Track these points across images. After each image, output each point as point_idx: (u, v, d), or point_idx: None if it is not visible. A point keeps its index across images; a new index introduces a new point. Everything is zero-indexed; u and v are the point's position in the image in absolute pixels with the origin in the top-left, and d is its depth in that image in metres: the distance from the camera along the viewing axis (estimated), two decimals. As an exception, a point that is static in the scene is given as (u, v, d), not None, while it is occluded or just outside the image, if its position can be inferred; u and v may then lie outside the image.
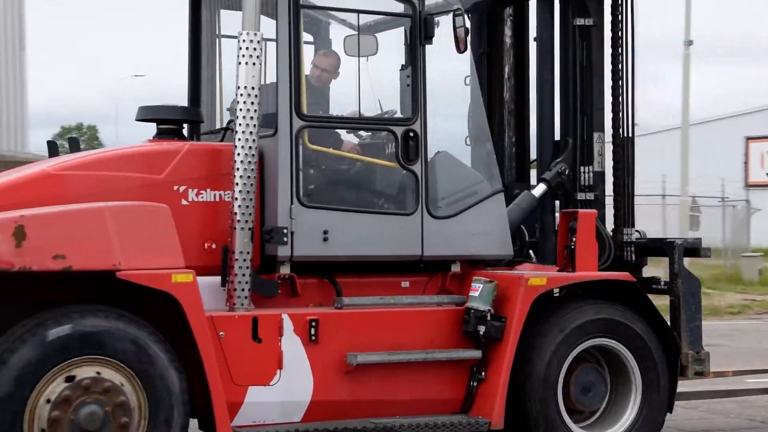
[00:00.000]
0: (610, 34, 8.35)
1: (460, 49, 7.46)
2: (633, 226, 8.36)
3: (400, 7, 7.56)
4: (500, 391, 7.23)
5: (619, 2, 8.34)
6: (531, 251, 8.31)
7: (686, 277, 7.93)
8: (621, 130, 8.38)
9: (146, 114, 7.50)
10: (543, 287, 7.37)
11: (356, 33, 7.75)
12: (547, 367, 7.34)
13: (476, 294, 7.31)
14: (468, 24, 7.69)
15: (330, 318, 7.06)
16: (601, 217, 8.31)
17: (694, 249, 8.08)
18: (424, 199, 7.45)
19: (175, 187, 7.04)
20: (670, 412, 7.86)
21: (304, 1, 7.35)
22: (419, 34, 7.48)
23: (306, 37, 8.42)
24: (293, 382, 6.93)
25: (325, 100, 7.88)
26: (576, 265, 7.67)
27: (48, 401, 6.11)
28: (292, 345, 6.92)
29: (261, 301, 7.13)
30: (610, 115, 8.39)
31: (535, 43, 8.69)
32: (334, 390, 7.05)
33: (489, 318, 7.23)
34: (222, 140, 7.61)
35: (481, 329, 7.22)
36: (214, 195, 7.11)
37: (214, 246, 7.07)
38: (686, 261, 8.05)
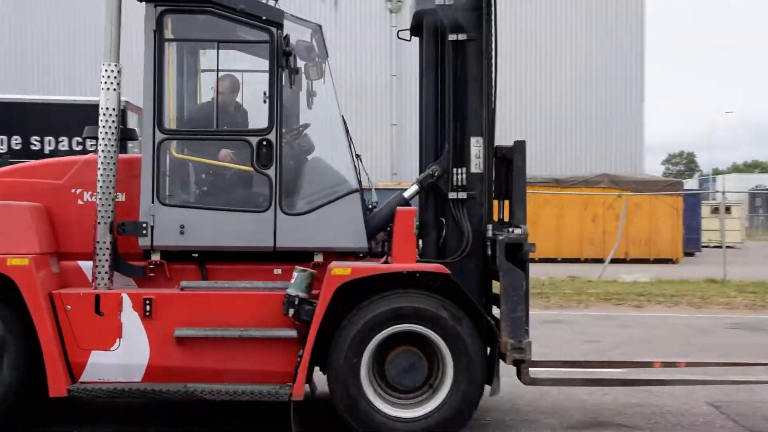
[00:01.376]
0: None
1: (289, 86, 8.66)
2: (493, 222, 8.93)
3: (261, 35, 8.78)
4: (302, 367, 8.30)
5: (487, 19, 8.86)
6: None
7: (507, 271, 8.37)
8: (491, 135, 8.96)
9: (90, 133, 9.37)
10: (347, 276, 8.29)
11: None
12: (348, 348, 8.26)
13: (292, 281, 8.43)
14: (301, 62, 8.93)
15: (164, 298, 8.50)
16: (480, 215, 8.94)
17: (517, 245, 8.53)
18: (278, 199, 8.64)
19: (73, 190, 8.89)
20: (494, 392, 8.60)
21: (173, 35, 8.80)
22: (275, 59, 8.68)
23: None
24: (132, 348, 8.46)
25: (230, 117, 9.25)
26: (393, 258, 8.55)
27: None
28: (130, 319, 8.46)
29: (140, 282, 8.80)
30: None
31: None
32: (169, 357, 8.48)
33: (298, 302, 8.33)
34: None
35: (290, 312, 8.34)
36: None
37: None
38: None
